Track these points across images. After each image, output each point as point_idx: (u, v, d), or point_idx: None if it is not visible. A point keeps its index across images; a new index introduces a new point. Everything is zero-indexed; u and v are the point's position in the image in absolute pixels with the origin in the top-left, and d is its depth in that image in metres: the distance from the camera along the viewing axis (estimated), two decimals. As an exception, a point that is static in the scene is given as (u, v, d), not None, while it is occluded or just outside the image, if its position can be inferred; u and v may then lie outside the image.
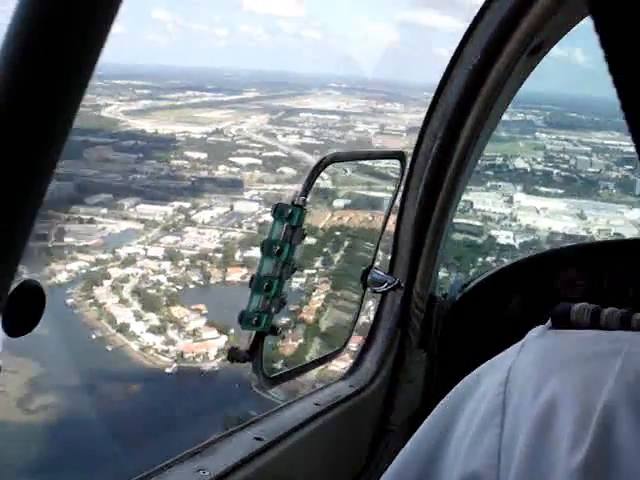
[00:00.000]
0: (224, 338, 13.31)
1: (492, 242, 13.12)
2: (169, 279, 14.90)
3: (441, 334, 1.75)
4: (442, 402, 0.67)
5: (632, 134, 0.41)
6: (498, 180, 15.21)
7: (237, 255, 15.74)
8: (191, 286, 14.95)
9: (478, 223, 13.58)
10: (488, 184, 14.95)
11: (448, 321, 1.77)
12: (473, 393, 0.63)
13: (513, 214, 14.28)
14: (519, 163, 15.58)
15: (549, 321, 0.63)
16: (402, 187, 1.58)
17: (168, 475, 1.05)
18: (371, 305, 1.79)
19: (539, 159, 15.73)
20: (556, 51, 1.63)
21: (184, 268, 15.21)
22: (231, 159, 17.93)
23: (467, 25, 1.54)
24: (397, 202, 1.60)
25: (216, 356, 13.14)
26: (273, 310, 1.18)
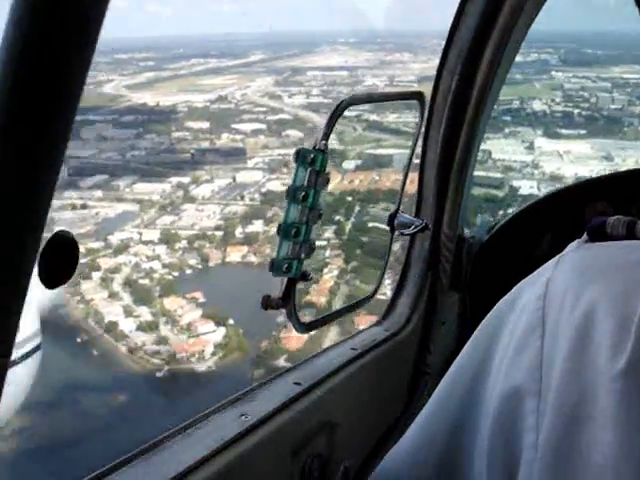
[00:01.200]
0: (222, 331, 12.64)
1: (514, 194, 12.53)
2: (164, 265, 14.27)
3: (472, 275, 1.78)
4: (483, 322, 0.70)
5: None
6: (517, 125, 14.58)
7: (238, 232, 15.26)
8: (188, 271, 14.33)
9: (498, 175, 12.95)
10: (506, 130, 14.26)
11: (478, 262, 1.81)
12: (513, 309, 0.65)
13: (535, 161, 13.61)
14: (537, 105, 15.00)
15: (585, 235, 0.66)
16: (423, 128, 1.60)
17: (211, 421, 1.11)
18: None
19: (557, 100, 15.14)
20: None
21: (181, 251, 14.60)
22: (234, 126, 17.69)
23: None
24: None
25: (212, 354, 12.21)
26: (303, 256, 1.22)
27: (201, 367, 12.10)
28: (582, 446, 0.53)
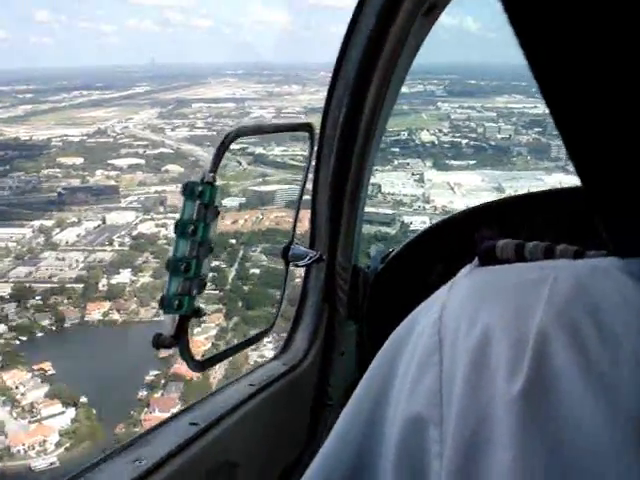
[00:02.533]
0: (71, 413, 11.13)
1: (406, 231, 12.33)
2: (11, 328, 12.75)
3: (368, 304, 1.84)
4: (380, 351, 0.70)
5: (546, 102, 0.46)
6: (406, 157, 14.74)
7: (102, 284, 14.16)
8: (39, 334, 12.94)
9: (389, 211, 12.78)
10: (395, 162, 14.46)
11: (374, 291, 1.86)
12: (409, 336, 0.66)
13: (426, 194, 13.68)
14: (425, 136, 15.30)
15: (476, 259, 0.67)
16: (313, 160, 1.65)
17: (103, 470, 1.07)
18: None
19: (445, 130, 15.71)
20: (448, 20, 1.74)
21: (32, 310, 13.08)
22: (110, 161, 17.04)
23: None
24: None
25: (57, 444, 10.47)
26: (194, 292, 1.21)
27: (40, 464, 10.29)
28: (483, 470, 0.54)
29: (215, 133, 18.02)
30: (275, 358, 1.65)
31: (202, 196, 1.22)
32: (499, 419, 0.53)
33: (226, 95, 19.58)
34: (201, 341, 12.32)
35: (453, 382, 0.57)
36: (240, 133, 1.37)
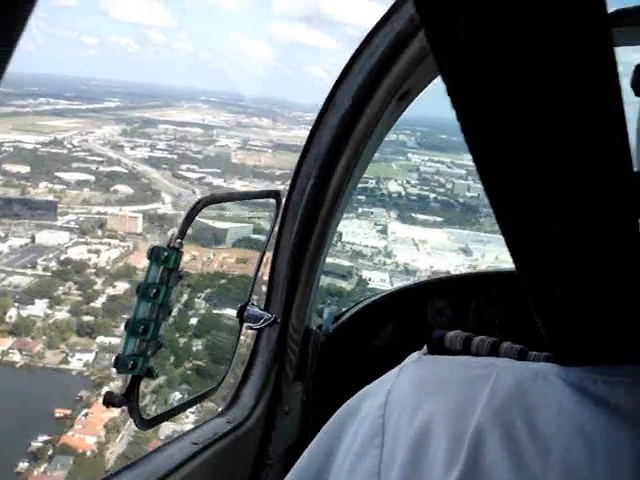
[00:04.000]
0: None
1: (364, 288, 11.57)
2: None
3: (317, 366, 1.91)
4: (324, 428, 0.73)
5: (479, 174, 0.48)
6: (370, 206, 14.31)
7: (10, 314, 12.25)
8: None
9: (346, 263, 11.85)
10: (360, 210, 13.82)
11: (323, 353, 1.95)
12: (354, 416, 0.68)
13: (388, 248, 12.95)
14: (393, 186, 15.22)
15: (425, 347, 0.71)
16: (277, 225, 1.74)
17: None
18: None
19: (413, 182, 15.73)
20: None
21: None
22: (59, 174, 16.26)
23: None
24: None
25: None
26: (149, 353, 1.27)
27: None
28: None
29: (175, 157, 17.74)
30: (220, 415, 1.70)
31: (167, 261, 1.29)
32: None
33: (194, 120, 19.50)
34: (104, 420, 10.22)
35: (392, 466, 0.60)
36: (210, 201, 1.46)
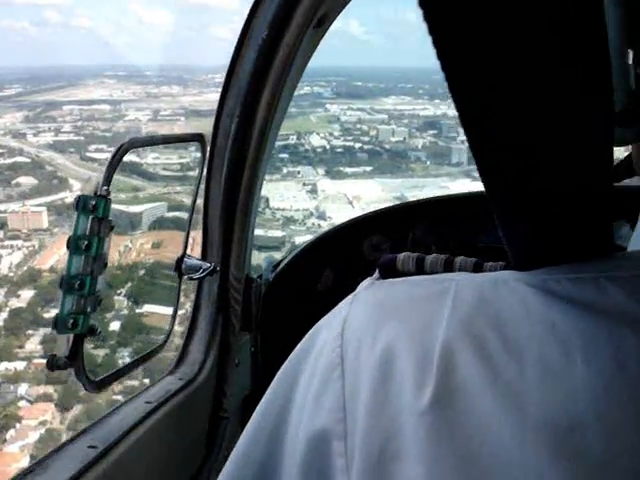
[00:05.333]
0: None
1: None
2: None
3: (262, 314, 1.93)
4: (279, 373, 0.71)
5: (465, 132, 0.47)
6: (296, 164, 13.72)
7: None
8: None
9: (279, 233, 11.16)
10: (285, 170, 13.18)
11: (266, 301, 1.96)
12: (310, 353, 0.67)
13: (320, 208, 12.38)
14: (315, 140, 14.70)
15: (376, 272, 0.70)
16: (205, 170, 1.73)
17: None
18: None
19: (336, 133, 15.28)
20: (333, 24, 1.86)
21: None
22: None
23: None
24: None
25: None
26: (89, 310, 1.25)
27: None
28: None
29: (83, 138, 17.04)
30: (170, 373, 1.70)
31: (96, 210, 1.26)
32: (408, 434, 0.55)
33: (101, 97, 18.84)
34: (13, 455, 8.93)
35: (357, 397, 0.59)
36: (131, 145, 1.43)
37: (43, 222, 15.00)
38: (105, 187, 1.30)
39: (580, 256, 0.58)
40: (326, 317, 0.69)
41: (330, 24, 1.79)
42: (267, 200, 11.55)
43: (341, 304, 0.67)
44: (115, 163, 1.35)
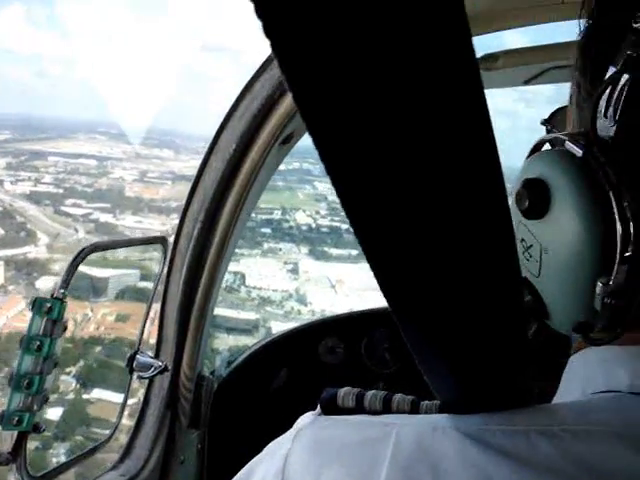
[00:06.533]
0: None
1: None
2: None
3: (211, 412, 2.03)
4: None
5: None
6: (278, 240, 13.39)
7: None
8: None
9: (252, 315, 10.34)
10: (265, 246, 12.70)
11: (217, 398, 2.07)
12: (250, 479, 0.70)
13: (300, 291, 11.95)
14: (301, 218, 14.69)
15: (319, 407, 0.73)
16: (165, 270, 1.86)
17: None
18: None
19: (322, 212, 15.12)
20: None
21: None
22: None
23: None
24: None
25: None
26: (35, 408, 1.36)
27: None
28: None
29: (61, 191, 16.85)
30: (113, 468, 1.78)
31: (50, 312, 1.38)
32: None
33: (89, 152, 18.93)
34: None
35: None
36: (94, 249, 1.56)
37: (-1, 277, 14.20)
38: (62, 290, 1.42)
39: (509, 405, 0.62)
40: (268, 449, 0.72)
41: (296, 142, 1.97)
42: (243, 277, 11.11)
43: (283, 437, 0.70)
44: (75, 265, 1.48)
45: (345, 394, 0.72)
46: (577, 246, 0.67)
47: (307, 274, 12.49)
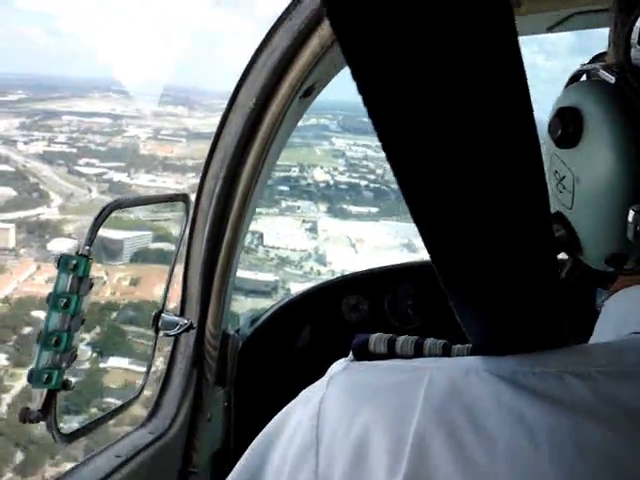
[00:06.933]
0: None
1: None
2: None
3: (237, 370, 2.06)
4: (252, 444, 0.75)
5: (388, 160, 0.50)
6: (296, 198, 13.18)
7: None
8: None
9: (271, 277, 10.15)
10: (283, 204, 12.46)
11: (242, 357, 2.09)
12: (284, 428, 0.71)
13: (320, 250, 11.63)
14: (319, 175, 14.46)
15: (351, 353, 0.74)
16: (188, 229, 1.87)
17: None
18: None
19: (341, 168, 15.01)
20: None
21: None
22: None
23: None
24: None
25: None
26: (64, 365, 1.38)
27: None
28: None
29: (75, 150, 16.78)
30: (142, 426, 1.82)
31: (76, 269, 1.39)
32: None
33: (103, 110, 18.83)
34: None
35: (330, 477, 0.63)
36: (116, 206, 1.57)
37: (10, 240, 13.48)
38: (87, 247, 1.43)
39: (542, 346, 0.63)
40: (301, 396, 0.73)
41: (317, 94, 1.95)
42: (261, 236, 10.91)
43: (317, 384, 0.71)
44: (99, 222, 1.49)
45: (377, 340, 0.73)
46: (609, 174, 0.68)
47: (326, 233, 12.32)
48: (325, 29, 1.69)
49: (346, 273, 2.51)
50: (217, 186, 1.85)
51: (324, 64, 1.80)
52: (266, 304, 2.37)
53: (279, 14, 1.78)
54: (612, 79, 0.68)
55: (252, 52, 1.84)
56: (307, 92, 1.89)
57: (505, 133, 0.46)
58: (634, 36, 0.66)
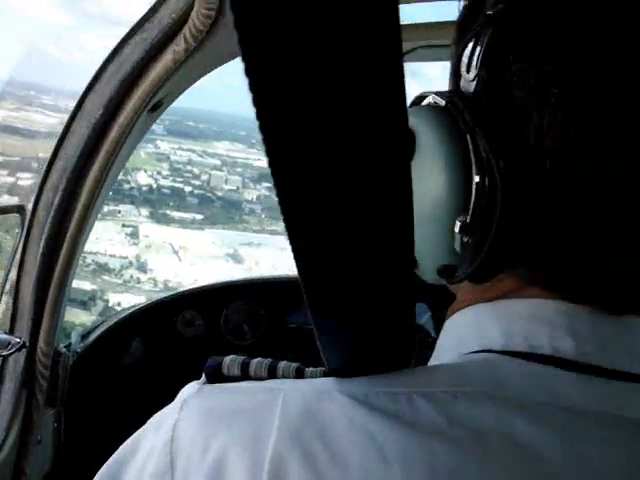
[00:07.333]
0: None
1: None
2: None
3: (68, 389, 1.99)
4: (100, 473, 0.72)
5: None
6: (117, 203, 12.59)
7: None
8: None
9: (88, 286, 9.53)
10: (105, 208, 10.38)
11: (72, 374, 2.02)
12: (135, 456, 0.70)
13: (142, 258, 11.24)
14: (142, 178, 14.06)
15: (203, 377, 0.72)
16: (22, 242, 1.79)
17: None
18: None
19: (165, 172, 14.89)
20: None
21: None
22: None
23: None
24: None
25: None
26: None
27: None
28: None
29: None
30: None
31: None
32: None
33: None
34: None
35: None
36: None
37: None
38: None
39: (393, 367, 0.65)
40: (152, 421, 0.73)
41: (165, 109, 1.94)
42: None
43: (170, 407, 0.70)
44: None
45: (230, 362, 0.72)
46: (436, 188, 0.73)
47: (148, 239, 11.85)
48: (180, 44, 1.69)
49: (170, 284, 2.53)
50: (56, 198, 1.78)
51: (176, 79, 1.79)
52: (83, 317, 2.30)
53: (131, 26, 1.76)
54: (442, 102, 0.74)
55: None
56: (155, 106, 1.87)
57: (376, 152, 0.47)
58: (463, 67, 0.72)
